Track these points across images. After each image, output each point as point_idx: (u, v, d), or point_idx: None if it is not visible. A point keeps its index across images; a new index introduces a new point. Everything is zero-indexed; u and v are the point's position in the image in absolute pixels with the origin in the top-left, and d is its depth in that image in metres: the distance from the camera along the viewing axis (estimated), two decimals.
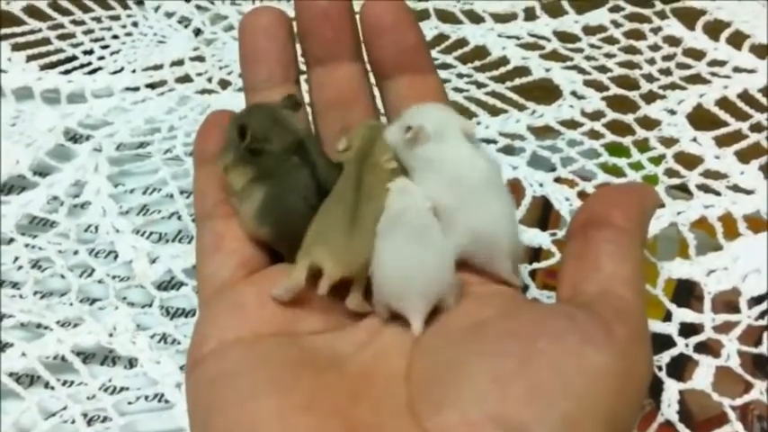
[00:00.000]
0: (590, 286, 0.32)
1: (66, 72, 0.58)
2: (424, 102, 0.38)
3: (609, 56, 0.60)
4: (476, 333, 0.30)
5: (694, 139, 0.53)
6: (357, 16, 0.39)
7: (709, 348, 0.43)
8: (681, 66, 0.59)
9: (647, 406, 0.41)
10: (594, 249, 0.33)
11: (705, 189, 0.50)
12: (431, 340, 0.31)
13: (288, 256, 0.35)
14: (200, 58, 0.59)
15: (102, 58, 0.59)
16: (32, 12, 0.62)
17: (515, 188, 0.50)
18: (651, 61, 0.59)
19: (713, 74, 0.58)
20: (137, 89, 0.57)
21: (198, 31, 0.62)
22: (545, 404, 0.27)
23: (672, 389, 0.41)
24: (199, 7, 0.64)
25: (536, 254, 0.47)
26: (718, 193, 0.50)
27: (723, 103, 0.56)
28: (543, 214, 0.50)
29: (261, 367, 0.30)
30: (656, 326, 0.43)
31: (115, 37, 0.61)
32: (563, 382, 0.27)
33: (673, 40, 0.61)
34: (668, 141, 0.53)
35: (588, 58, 0.59)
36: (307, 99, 0.39)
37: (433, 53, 0.60)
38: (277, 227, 0.35)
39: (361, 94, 0.39)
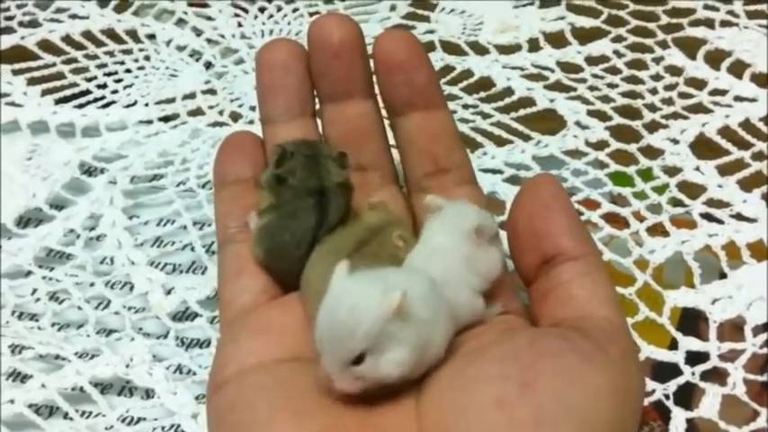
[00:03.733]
0: (570, 313, 0.33)
1: (81, 106, 0.59)
2: (435, 138, 0.39)
3: (612, 86, 0.61)
4: (477, 357, 0.31)
5: (697, 168, 0.54)
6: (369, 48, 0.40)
7: (717, 376, 0.43)
8: (683, 95, 0.60)
9: (657, 428, 0.42)
10: (563, 284, 0.34)
11: (709, 218, 0.51)
12: (436, 368, 0.32)
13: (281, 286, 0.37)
14: (212, 92, 0.60)
15: (115, 91, 0.60)
16: (47, 46, 0.63)
17: None
18: (653, 91, 0.60)
19: (715, 103, 0.59)
20: (150, 122, 0.58)
21: (209, 65, 0.63)
22: (551, 428, 0.28)
23: (679, 417, 0.41)
24: (210, 41, 0.65)
25: None
26: (721, 222, 0.51)
27: (725, 131, 0.57)
28: None
29: (279, 393, 0.31)
30: (663, 354, 0.44)
31: (128, 71, 0.62)
32: (566, 404, 0.28)
33: (674, 70, 0.62)
34: (671, 170, 0.54)
35: (591, 88, 0.60)
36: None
37: None
38: (267, 255, 0.36)
39: (373, 130, 0.40)
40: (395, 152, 0.42)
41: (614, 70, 0.62)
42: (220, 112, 0.59)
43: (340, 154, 0.37)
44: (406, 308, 0.29)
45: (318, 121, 0.41)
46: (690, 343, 0.44)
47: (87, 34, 0.64)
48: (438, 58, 0.63)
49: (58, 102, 0.59)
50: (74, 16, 0.66)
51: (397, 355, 0.30)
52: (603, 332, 0.32)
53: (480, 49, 0.64)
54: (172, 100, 0.60)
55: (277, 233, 0.36)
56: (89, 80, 0.61)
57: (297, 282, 0.36)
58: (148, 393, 0.43)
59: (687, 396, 0.42)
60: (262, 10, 0.67)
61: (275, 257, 0.36)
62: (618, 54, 0.63)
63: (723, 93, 0.60)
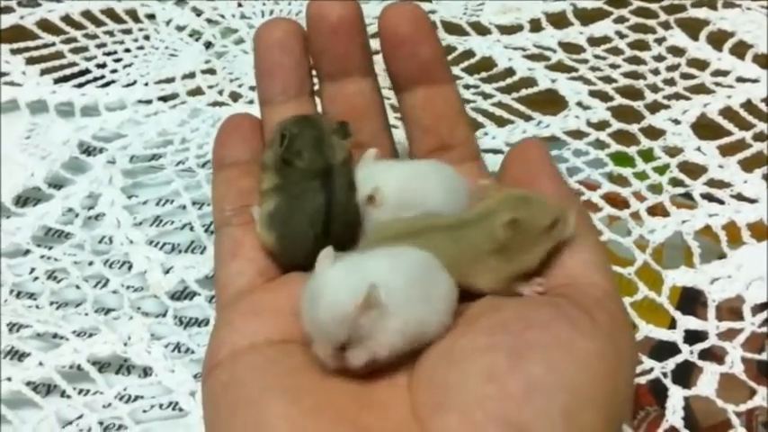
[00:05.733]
0: (559, 280, 0.33)
1: (80, 85, 0.59)
2: (439, 114, 0.39)
3: (614, 66, 0.60)
4: (467, 331, 0.31)
5: (698, 149, 0.54)
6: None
7: (714, 355, 0.43)
8: (685, 76, 0.60)
9: (653, 413, 0.42)
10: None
11: (709, 198, 0.51)
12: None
13: (284, 271, 0.36)
14: (212, 71, 0.60)
15: (114, 71, 0.60)
16: (46, 26, 0.63)
17: None
18: (655, 72, 0.60)
19: (717, 84, 0.59)
20: (149, 102, 0.58)
21: (209, 45, 0.63)
22: (543, 400, 0.27)
23: (676, 395, 0.41)
24: (209, 21, 0.65)
25: None
26: (721, 202, 0.50)
27: (727, 112, 0.56)
28: None
29: (272, 373, 0.31)
30: (661, 333, 0.44)
31: (127, 50, 0.62)
32: (557, 375, 0.28)
33: (677, 51, 0.62)
34: (673, 151, 0.54)
35: (593, 68, 0.60)
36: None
37: None
38: (281, 239, 0.36)
39: (372, 108, 0.40)
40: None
41: (616, 51, 0.62)
42: (220, 92, 0.59)
43: (341, 124, 0.37)
44: (377, 300, 0.29)
45: (318, 101, 0.41)
46: (688, 322, 0.44)
47: (87, 14, 0.64)
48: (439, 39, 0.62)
49: (58, 81, 0.59)
50: None
51: (379, 343, 0.30)
52: (592, 298, 0.31)
53: (482, 30, 0.64)
54: (171, 79, 0.60)
55: (289, 217, 0.36)
56: (88, 60, 0.61)
57: (310, 262, 0.36)
58: (146, 371, 0.43)
59: (685, 375, 0.42)
60: None
61: (290, 241, 0.35)
62: (620, 35, 0.63)
63: (725, 73, 0.60)
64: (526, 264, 0.32)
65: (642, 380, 0.42)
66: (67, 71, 0.60)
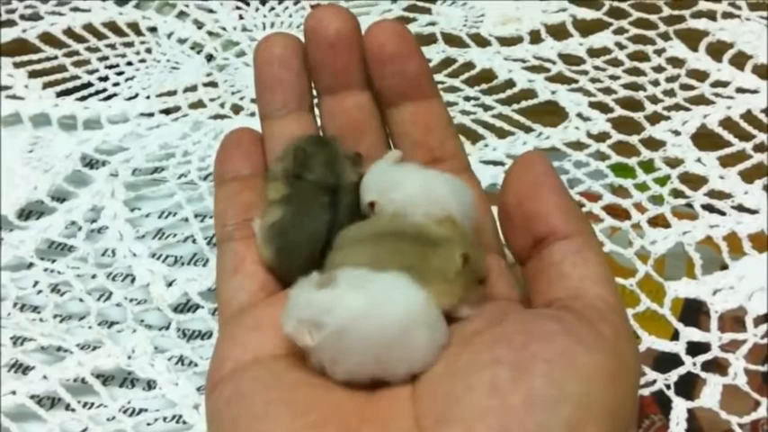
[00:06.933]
0: (562, 293, 0.32)
1: (82, 98, 0.59)
2: (428, 128, 0.39)
3: (613, 78, 0.61)
4: (470, 344, 0.31)
5: (699, 160, 0.54)
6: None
7: (717, 366, 0.43)
8: (684, 87, 0.60)
9: (658, 421, 0.42)
10: (555, 263, 0.33)
11: (710, 209, 0.51)
12: None
13: (284, 285, 0.36)
14: (213, 84, 0.61)
15: (116, 84, 0.61)
16: (48, 39, 0.63)
17: None
18: (655, 83, 0.60)
19: (716, 95, 0.59)
20: (151, 115, 0.58)
21: (210, 57, 0.63)
22: (545, 413, 0.27)
23: (680, 407, 0.41)
24: (211, 33, 0.65)
25: None
26: (722, 213, 0.51)
27: (726, 123, 0.57)
28: None
29: (275, 388, 0.31)
30: (664, 345, 0.44)
31: (129, 63, 0.62)
32: (560, 388, 0.28)
33: (676, 62, 0.62)
34: (673, 162, 0.54)
35: (593, 80, 0.60)
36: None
37: (441, 77, 0.61)
38: (279, 252, 0.36)
39: (371, 122, 0.40)
40: None
41: (616, 62, 0.62)
42: (222, 105, 0.59)
43: (356, 154, 0.37)
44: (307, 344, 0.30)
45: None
46: (691, 333, 0.44)
47: (89, 27, 0.65)
48: (439, 51, 0.63)
49: (60, 94, 0.59)
50: (75, 9, 0.66)
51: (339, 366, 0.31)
52: (596, 311, 0.31)
53: (482, 41, 0.64)
54: (173, 92, 0.60)
55: (290, 231, 0.36)
56: (90, 73, 0.61)
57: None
58: (150, 384, 0.43)
59: (688, 386, 0.42)
60: (263, 2, 0.67)
61: (287, 256, 0.35)
62: (620, 46, 0.63)
63: (725, 84, 0.60)
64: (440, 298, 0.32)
65: (645, 391, 0.42)
66: (70, 84, 0.60)
